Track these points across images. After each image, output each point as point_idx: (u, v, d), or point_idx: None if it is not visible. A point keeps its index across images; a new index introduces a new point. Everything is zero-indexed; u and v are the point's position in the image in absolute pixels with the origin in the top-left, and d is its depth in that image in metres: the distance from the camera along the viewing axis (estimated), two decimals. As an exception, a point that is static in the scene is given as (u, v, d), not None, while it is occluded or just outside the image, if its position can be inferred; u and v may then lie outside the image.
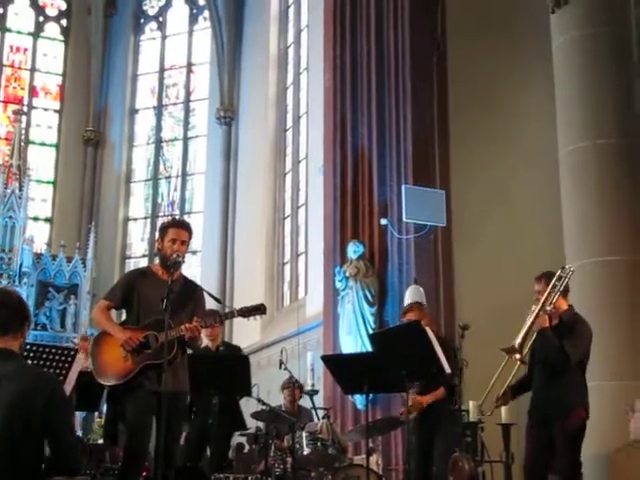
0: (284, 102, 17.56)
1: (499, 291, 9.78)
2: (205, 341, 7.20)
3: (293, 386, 8.27)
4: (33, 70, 21.75)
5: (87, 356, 7.01)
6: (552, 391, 5.60)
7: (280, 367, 7.94)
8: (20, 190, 18.16)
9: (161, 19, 22.09)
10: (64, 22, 22.25)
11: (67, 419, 3.29)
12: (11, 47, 21.73)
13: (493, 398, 5.92)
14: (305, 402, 8.68)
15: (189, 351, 5.33)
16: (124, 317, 5.41)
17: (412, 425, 6.42)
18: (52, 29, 22.17)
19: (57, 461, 3.24)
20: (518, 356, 5.52)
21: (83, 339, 7.48)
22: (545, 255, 8.70)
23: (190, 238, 5.35)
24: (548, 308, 5.62)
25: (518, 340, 5.53)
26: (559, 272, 5.74)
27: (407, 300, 9.65)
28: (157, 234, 5.43)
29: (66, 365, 5.51)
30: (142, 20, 22.14)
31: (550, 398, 5.61)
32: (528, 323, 5.57)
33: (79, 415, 13.11)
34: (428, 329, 5.71)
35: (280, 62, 17.79)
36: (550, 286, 5.67)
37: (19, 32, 21.88)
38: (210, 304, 5.52)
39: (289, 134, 17.24)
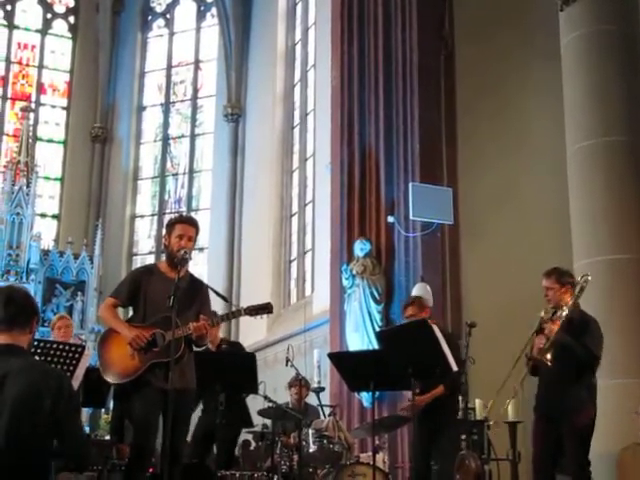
0: (291, 99, 17.56)
1: (506, 289, 9.77)
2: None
3: (300, 383, 8.27)
4: (41, 67, 21.79)
5: (58, 333, 7.01)
6: (562, 387, 5.58)
7: (286, 364, 7.93)
8: (28, 187, 18.20)
9: (169, 16, 22.11)
10: (72, 19, 22.29)
11: (75, 415, 3.28)
12: (19, 44, 21.77)
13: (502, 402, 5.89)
14: (311, 399, 8.69)
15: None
16: (130, 314, 5.41)
17: (414, 423, 6.42)
18: (60, 26, 22.21)
19: (66, 457, 3.24)
20: (548, 356, 5.47)
21: (59, 318, 7.36)
22: (553, 253, 8.68)
23: (197, 234, 5.34)
24: (564, 313, 5.60)
25: (547, 345, 5.49)
26: (580, 281, 5.71)
27: (414, 298, 9.66)
28: (164, 230, 5.42)
29: (73, 362, 5.52)
30: (150, 17, 22.17)
31: (559, 393, 5.59)
32: (555, 329, 5.52)
33: (86, 411, 13.15)
34: (435, 327, 5.70)
35: (287, 59, 17.79)
36: (573, 301, 5.64)
37: (27, 29, 21.92)
38: (217, 302, 5.51)
39: (296, 131, 17.24)
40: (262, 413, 7.51)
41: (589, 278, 5.73)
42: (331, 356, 6.75)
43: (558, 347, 5.51)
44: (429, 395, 6.17)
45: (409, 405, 6.28)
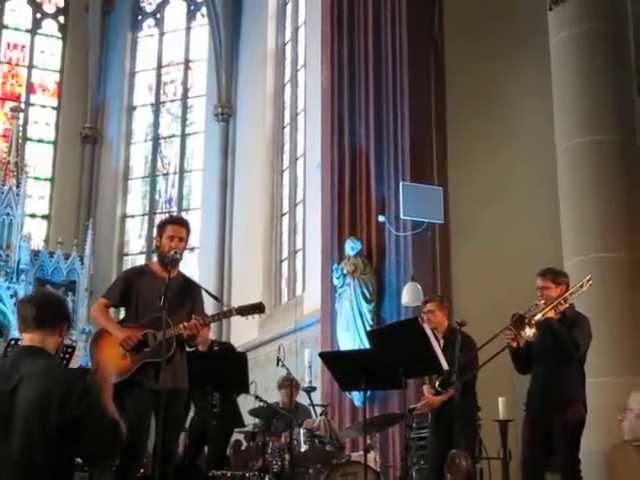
0: (282, 99, 17.56)
1: (497, 288, 9.78)
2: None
3: (290, 384, 8.27)
4: (30, 67, 21.75)
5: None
6: (553, 383, 5.60)
7: (278, 364, 7.93)
8: (17, 187, 18.18)
9: (159, 16, 22.10)
10: (61, 19, 22.25)
11: (95, 408, 3.10)
12: (8, 44, 21.73)
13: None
14: (303, 399, 8.69)
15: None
16: (122, 314, 5.41)
17: (430, 424, 6.48)
18: (49, 26, 22.18)
19: (106, 455, 3.17)
20: (529, 332, 5.42)
21: None
22: (543, 251, 8.71)
23: (188, 235, 5.36)
24: (560, 308, 5.64)
25: (538, 316, 5.49)
26: (583, 281, 5.75)
27: (404, 297, 9.70)
28: (155, 231, 5.43)
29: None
30: (140, 17, 22.15)
31: (551, 389, 5.61)
32: (547, 309, 5.53)
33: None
34: (426, 326, 5.71)
35: (278, 59, 17.80)
36: (570, 292, 5.68)
37: (16, 29, 21.87)
38: (208, 302, 5.51)
39: (287, 131, 17.24)
40: (253, 413, 7.51)
41: (591, 282, 5.79)
42: (322, 355, 6.75)
43: (545, 330, 5.52)
44: (443, 396, 6.21)
45: (423, 404, 6.37)
